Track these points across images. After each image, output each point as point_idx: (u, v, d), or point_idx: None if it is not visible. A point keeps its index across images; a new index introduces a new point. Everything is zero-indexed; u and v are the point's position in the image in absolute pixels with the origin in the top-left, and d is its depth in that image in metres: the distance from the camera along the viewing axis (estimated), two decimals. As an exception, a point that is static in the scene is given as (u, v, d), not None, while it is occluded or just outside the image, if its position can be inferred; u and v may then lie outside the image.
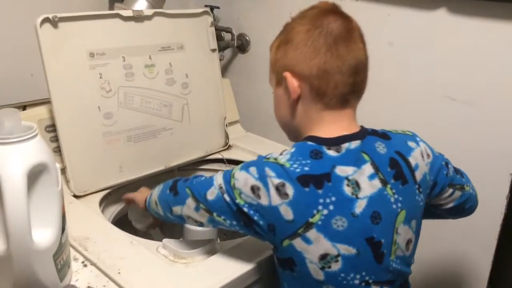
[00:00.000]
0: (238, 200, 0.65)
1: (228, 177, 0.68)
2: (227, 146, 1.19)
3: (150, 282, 0.69)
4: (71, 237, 0.76)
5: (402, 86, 1.02)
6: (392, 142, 0.71)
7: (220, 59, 1.27)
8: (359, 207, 0.64)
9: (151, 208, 0.83)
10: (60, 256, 0.64)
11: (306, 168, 0.63)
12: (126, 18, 0.98)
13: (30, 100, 1.06)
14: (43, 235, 0.60)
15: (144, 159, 1.03)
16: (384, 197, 0.66)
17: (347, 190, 0.64)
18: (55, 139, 0.92)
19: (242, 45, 1.33)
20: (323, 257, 0.64)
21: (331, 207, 0.63)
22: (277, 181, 0.63)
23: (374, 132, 0.71)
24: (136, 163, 1.02)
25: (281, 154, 0.67)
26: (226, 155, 1.18)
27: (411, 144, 0.72)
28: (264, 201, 0.63)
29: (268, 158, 0.66)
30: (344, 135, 0.67)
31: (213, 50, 1.14)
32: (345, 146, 0.66)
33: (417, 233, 0.72)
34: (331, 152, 0.65)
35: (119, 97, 0.98)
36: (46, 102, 0.96)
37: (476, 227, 0.98)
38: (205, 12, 1.12)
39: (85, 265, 0.72)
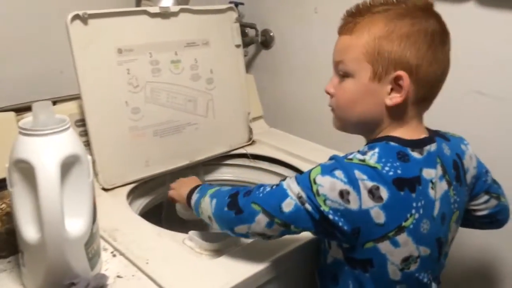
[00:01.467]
0: (323, 208, 0.60)
1: (307, 184, 0.62)
2: (251, 141, 1.20)
3: (177, 272, 0.70)
4: (100, 228, 0.78)
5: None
6: (451, 144, 0.71)
7: (244, 55, 1.28)
8: (436, 209, 0.66)
9: (199, 214, 0.76)
10: (91, 245, 0.65)
11: (399, 171, 0.62)
12: (153, 15, 1.00)
13: (60, 96, 1.09)
14: (75, 225, 0.62)
15: (169, 153, 1.05)
16: (448, 198, 0.68)
17: (432, 193, 0.64)
18: (85, 133, 0.95)
19: (266, 41, 1.34)
20: (406, 259, 0.64)
21: (421, 211, 0.63)
22: (370, 184, 0.60)
23: (438, 134, 0.71)
24: (162, 157, 1.04)
25: (364, 154, 0.63)
26: (250, 150, 1.19)
27: (463, 147, 0.74)
28: (353, 205, 0.60)
29: (352, 159, 0.62)
30: (425, 138, 0.67)
31: (238, 46, 1.15)
32: (427, 148, 0.65)
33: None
34: (416, 155, 0.64)
35: (146, 92, 0.99)
36: (75, 98, 0.99)
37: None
38: (229, 8, 1.13)
39: (114, 255, 0.74)
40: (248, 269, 0.72)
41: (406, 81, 0.62)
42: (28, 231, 0.61)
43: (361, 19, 0.65)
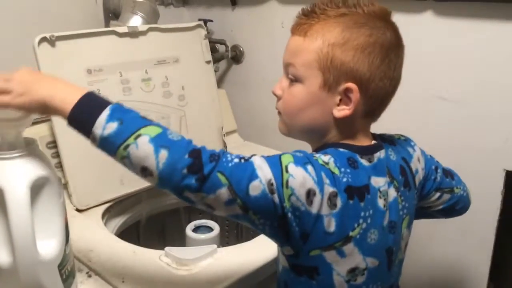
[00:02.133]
0: (285, 203, 0.55)
1: (278, 170, 0.55)
2: (226, 156, 1.21)
3: (154, 289, 0.70)
4: (75, 249, 0.78)
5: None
6: (398, 148, 0.70)
7: (216, 71, 1.30)
8: (385, 218, 0.63)
9: (114, 153, 0.56)
10: (65, 266, 0.65)
11: (349, 179, 0.59)
12: (121, 35, 1.01)
13: (31, 118, 1.08)
14: (48, 246, 0.62)
15: (144, 171, 1.05)
16: (397, 205, 0.66)
17: (380, 202, 0.62)
18: (56, 155, 0.94)
19: (236, 56, 1.36)
20: (352, 270, 0.61)
21: (368, 220, 0.60)
22: (331, 189, 0.57)
23: (384, 138, 0.69)
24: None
25: (322, 156, 0.59)
26: (225, 164, 1.20)
27: (410, 149, 0.72)
28: (313, 208, 0.56)
29: (317, 159, 0.58)
30: (374, 144, 0.65)
31: (208, 62, 1.17)
32: (376, 155, 0.63)
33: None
34: (365, 162, 0.62)
35: (117, 111, 1.00)
36: (46, 120, 0.98)
37: (473, 224, 0.99)
38: (198, 26, 1.15)
39: (90, 276, 0.73)
40: (224, 282, 0.72)
41: (356, 94, 0.59)
42: (0, 255, 0.61)
43: (315, 21, 0.61)
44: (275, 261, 0.76)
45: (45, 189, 0.62)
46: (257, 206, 0.55)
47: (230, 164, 0.55)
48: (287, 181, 0.54)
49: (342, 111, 0.61)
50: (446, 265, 1.09)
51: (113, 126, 0.55)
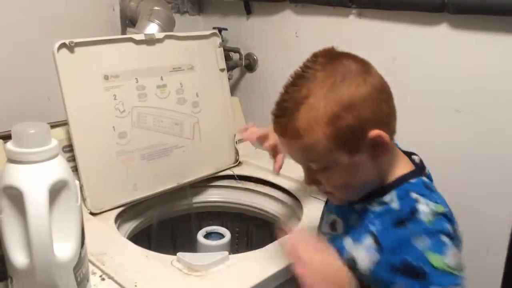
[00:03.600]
0: None
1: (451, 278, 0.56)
2: (238, 163, 1.22)
3: (166, 294, 0.71)
4: (89, 252, 0.78)
5: (406, 100, 1.05)
6: None
7: (229, 78, 1.31)
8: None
9: None
10: (79, 269, 0.66)
11: (446, 206, 0.61)
12: (138, 42, 1.03)
13: (47, 121, 1.09)
14: (64, 249, 0.63)
15: (157, 176, 1.06)
16: None
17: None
18: (72, 158, 0.96)
19: (250, 64, 1.37)
20: None
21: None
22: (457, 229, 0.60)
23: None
24: (150, 180, 1.05)
25: (427, 203, 0.60)
26: (237, 171, 1.21)
27: None
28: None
29: (430, 220, 0.58)
30: (413, 157, 0.67)
31: (222, 70, 1.18)
32: (427, 169, 0.65)
33: None
34: (426, 179, 0.64)
35: (132, 117, 1.01)
36: (62, 124, 1.00)
37: (486, 234, 0.99)
38: (213, 34, 1.17)
39: (103, 279, 0.74)
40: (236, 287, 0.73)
41: (381, 134, 0.59)
42: (17, 256, 0.62)
43: (296, 114, 0.58)
44: (286, 270, 0.77)
45: (63, 192, 0.63)
46: None
47: None
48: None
49: (381, 154, 0.61)
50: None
51: None
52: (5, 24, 1.06)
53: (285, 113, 0.60)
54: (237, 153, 1.22)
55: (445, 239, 0.57)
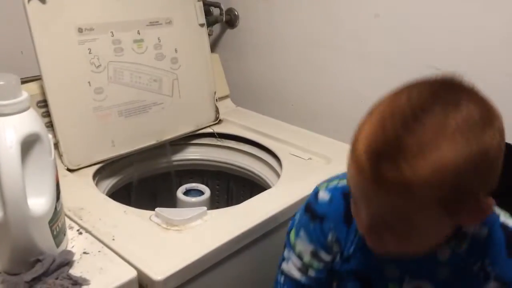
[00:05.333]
0: None
1: None
2: (218, 121, 1.21)
3: (144, 247, 0.72)
4: (66, 207, 0.78)
5: (388, 56, 1.04)
6: None
7: (209, 34, 1.28)
8: None
9: None
10: (55, 223, 0.66)
11: None
12: (113, -7, 0.99)
13: (21, 77, 1.06)
14: (38, 203, 0.62)
15: (135, 133, 1.05)
16: None
17: None
18: (47, 114, 0.94)
19: (231, 20, 1.34)
20: None
21: None
22: None
23: None
24: (128, 137, 1.04)
25: (504, 213, 0.58)
26: (217, 129, 1.20)
27: None
28: None
29: None
30: None
31: (202, 25, 1.15)
32: None
33: None
34: None
35: (108, 72, 0.99)
36: (37, 79, 0.97)
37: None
38: (192, -13, 1.13)
39: (80, 233, 0.74)
40: (213, 242, 0.74)
41: (490, 201, 0.51)
42: (-10, 210, 0.61)
43: (422, 156, 0.45)
44: (262, 225, 0.78)
45: (35, 146, 0.62)
46: None
47: None
48: None
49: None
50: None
51: None
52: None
53: (400, 152, 0.47)
54: (217, 110, 1.21)
55: None
